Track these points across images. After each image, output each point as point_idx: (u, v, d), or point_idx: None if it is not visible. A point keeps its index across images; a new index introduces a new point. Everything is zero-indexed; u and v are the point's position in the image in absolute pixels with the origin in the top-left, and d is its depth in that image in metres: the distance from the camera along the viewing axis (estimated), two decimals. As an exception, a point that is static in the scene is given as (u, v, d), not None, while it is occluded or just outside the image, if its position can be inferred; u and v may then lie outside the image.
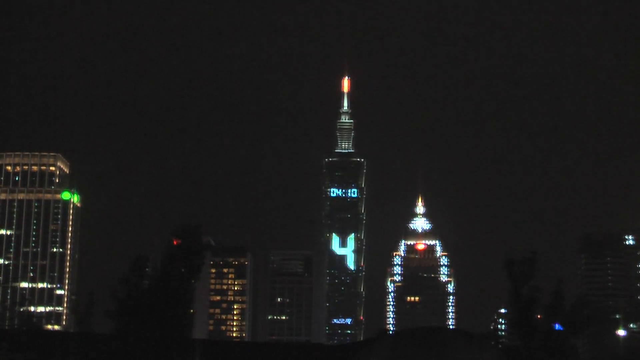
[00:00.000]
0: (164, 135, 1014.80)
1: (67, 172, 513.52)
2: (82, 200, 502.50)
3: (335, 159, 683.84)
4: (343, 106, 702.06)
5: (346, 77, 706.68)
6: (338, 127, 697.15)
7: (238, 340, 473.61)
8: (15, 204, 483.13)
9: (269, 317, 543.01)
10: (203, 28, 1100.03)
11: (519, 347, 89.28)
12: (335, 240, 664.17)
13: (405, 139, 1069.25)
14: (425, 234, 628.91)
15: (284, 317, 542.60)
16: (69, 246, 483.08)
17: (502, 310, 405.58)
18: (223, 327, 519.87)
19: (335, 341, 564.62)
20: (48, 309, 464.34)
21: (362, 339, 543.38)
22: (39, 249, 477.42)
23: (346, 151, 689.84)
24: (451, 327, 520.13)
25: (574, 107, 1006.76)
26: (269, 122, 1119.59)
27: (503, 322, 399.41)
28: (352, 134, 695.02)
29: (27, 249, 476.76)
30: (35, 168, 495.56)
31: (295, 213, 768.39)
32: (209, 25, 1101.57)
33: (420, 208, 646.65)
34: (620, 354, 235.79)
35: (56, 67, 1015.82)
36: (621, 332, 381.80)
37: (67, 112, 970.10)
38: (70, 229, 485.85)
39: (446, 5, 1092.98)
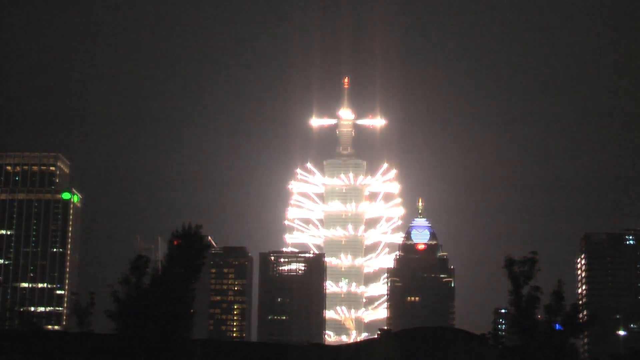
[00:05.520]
0: (164, 135, 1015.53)
1: (67, 172, 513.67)
2: (82, 200, 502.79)
3: (335, 159, 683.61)
4: (343, 106, 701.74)
5: (346, 77, 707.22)
6: (338, 128, 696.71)
7: (238, 340, 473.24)
8: (15, 204, 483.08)
9: (269, 317, 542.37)
10: (202, 28, 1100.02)
11: (519, 347, 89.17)
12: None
13: (405, 139, 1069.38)
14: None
15: (284, 317, 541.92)
16: (69, 246, 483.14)
17: (502, 310, 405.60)
18: (223, 327, 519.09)
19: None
20: (48, 309, 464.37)
21: (362, 339, 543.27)
22: (39, 249, 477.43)
23: (346, 151, 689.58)
24: (451, 327, 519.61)
25: (575, 106, 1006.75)
26: (269, 121, 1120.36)
27: (503, 322, 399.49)
28: (352, 135, 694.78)
29: (27, 249, 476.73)
30: (35, 168, 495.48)
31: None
32: (208, 25, 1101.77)
33: (420, 208, 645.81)
34: (620, 354, 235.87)
35: (56, 67, 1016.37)
36: (621, 332, 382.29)
37: (67, 112, 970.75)
38: (70, 229, 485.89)
39: (447, 5, 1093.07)
